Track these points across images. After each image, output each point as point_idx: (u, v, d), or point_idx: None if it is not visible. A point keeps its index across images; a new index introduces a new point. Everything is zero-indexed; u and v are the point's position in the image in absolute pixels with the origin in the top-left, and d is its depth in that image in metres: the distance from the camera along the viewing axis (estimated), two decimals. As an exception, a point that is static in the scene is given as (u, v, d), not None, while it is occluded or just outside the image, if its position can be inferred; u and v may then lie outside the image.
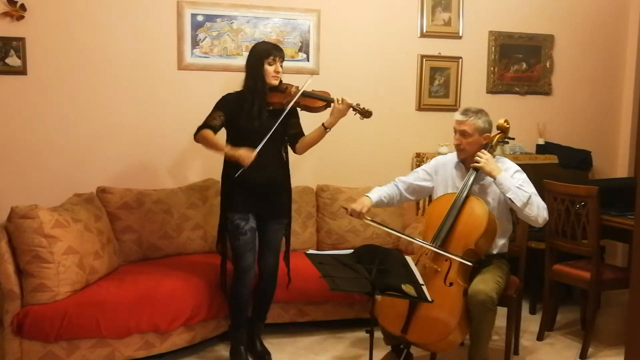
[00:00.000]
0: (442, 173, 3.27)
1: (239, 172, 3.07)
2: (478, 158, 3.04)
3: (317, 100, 3.25)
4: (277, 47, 3.25)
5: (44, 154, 3.84)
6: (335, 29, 4.28)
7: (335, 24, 4.28)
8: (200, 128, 3.18)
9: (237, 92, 3.24)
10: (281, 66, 3.22)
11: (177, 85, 4.04)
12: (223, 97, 3.25)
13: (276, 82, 3.22)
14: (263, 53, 3.18)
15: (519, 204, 2.95)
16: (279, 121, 3.13)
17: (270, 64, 3.17)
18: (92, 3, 3.84)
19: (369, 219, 3.11)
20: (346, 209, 3.20)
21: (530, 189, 3.04)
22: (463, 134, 3.10)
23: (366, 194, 3.24)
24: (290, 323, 3.68)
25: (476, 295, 2.82)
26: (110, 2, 3.87)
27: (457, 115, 3.15)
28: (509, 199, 2.97)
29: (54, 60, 3.81)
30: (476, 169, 3.06)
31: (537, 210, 2.99)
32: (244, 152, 3.06)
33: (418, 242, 3.03)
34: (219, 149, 3.15)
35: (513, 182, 2.99)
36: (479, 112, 3.13)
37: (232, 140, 3.17)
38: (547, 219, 3.06)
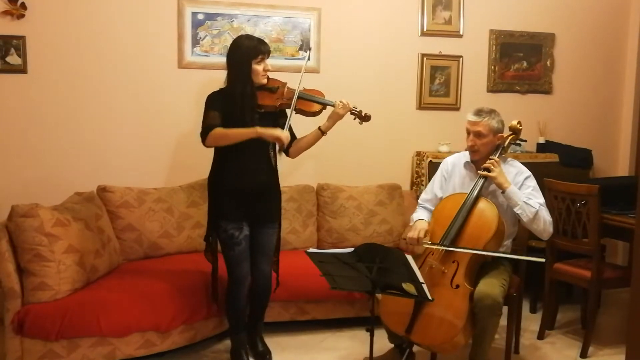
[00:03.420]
0: (453, 173, 3.24)
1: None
2: (490, 167, 3.00)
3: (313, 104, 3.13)
4: (263, 41, 3.09)
5: (45, 152, 3.85)
6: (335, 27, 4.28)
7: (335, 22, 4.28)
8: (206, 131, 2.99)
9: (221, 90, 3.09)
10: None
11: (177, 84, 4.03)
12: (210, 97, 3.07)
13: (265, 81, 3.09)
14: (250, 53, 3.01)
15: (525, 219, 2.97)
16: (287, 125, 3.03)
17: (258, 64, 3.03)
18: (93, 2, 3.84)
19: (429, 242, 2.99)
20: (404, 239, 3.11)
21: (539, 199, 3.04)
22: (478, 135, 3.06)
23: (418, 218, 3.18)
24: (290, 321, 3.68)
25: (483, 299, 2.78)
26: (110, 1, 3.87)
27: (471, 116, 3.09)
28: (517, 213, 2.98)
29: (54, 59, 3.81)
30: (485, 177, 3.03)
31: (544, 225, 2.99)
32: (280, 131, 2.97)
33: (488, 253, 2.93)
34: (249, 135, 2.94)
35: (521, 197, 2.98)
36: (492, 112, 3.09)
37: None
38: (552, 233, 3.07)
